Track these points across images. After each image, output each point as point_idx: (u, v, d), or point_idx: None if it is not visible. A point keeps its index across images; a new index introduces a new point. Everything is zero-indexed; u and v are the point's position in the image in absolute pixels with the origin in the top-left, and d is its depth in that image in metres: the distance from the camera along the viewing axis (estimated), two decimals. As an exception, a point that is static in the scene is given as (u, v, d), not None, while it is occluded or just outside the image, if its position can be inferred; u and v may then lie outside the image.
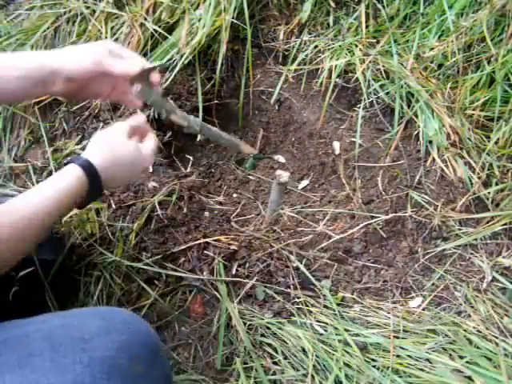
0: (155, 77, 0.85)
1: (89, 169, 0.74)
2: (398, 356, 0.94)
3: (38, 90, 0.77)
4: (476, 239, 1.13)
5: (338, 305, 1.04)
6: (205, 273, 1.03)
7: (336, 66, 1.30)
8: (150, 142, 0.86)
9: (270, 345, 0.97)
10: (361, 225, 1.18)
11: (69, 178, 0.72)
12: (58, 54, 0.78)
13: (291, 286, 1.04)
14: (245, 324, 0.98)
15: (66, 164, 0.75)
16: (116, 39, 1.30)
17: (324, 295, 1.05)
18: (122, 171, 0.80)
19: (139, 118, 0.88)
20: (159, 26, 1.28)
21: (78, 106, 1.28)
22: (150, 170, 1.20)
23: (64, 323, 0.58)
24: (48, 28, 1.34)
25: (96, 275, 1.02)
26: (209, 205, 1.21)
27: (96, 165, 0.75)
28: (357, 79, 1.29)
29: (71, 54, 0.79)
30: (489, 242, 1.14)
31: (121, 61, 0.80)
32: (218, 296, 1.00)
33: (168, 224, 1.09)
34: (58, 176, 0.73)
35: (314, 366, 0.92)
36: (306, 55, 1.36)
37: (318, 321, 1.00)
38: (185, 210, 1.12)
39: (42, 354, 0.52)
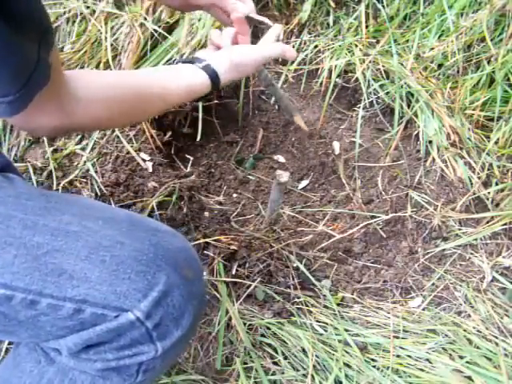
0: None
1: (214, 77, 0.79)
2: (398, 356, 0.94)
3: None
4: (476, 239, 1.13)
5: (338, 305, 1.04)
6: (205, 273, 1.03)
7: (336, 66, 1.30)
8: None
9: (269, 345, 0.97)
10: (361, 225, 1.18)
11: (195, 78, 0.78)
12: None
13: (291, 286, 1.04)
14: (245, 324, 0.98)
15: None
16: (116, 39, 1.30)
17: (324, 295, 1.05)
18: (240, 74, 0.86)
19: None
20: (159, 26, 1.28)
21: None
22: (150, 169, 1.20)
23: (143, 216, 0.68)
24: (48, 28, 1.34)
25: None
26: (209, 205, 1.21)
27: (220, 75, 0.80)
28: (357, 79, 1.29)
29: None
30: (489, 242, 1.14)
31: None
32: (218, 296, 1.00)
33: (168, 224, 1.09)
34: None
35: (314, 366, 0.92)
36: (306, 55, 1.36)
37: (317, 321, 1.00)
38: (185, 210, 1.12)
39: (121, 222, 0.60)
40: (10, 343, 0.92)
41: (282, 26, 0.91)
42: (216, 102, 1.35)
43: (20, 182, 0.63)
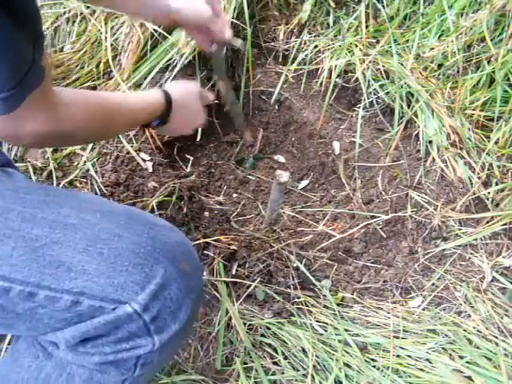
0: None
1: (168, 96, 0.90)
2: (398, 356, 0.94)
3: (149, 18, 0.91)
4: (476, 239, 1.13)
5: (338, 305, 1.04)
6: (205, 273, 1.03)
7: (336, 66, 1.30)
8: (204, 111, 1.06)
9: (269, 345, 0.97)
10: (361, 225, 1.18)
11: (150, 92, 0.91)
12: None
13: (291, 286, 1.04)
14: (245, 324, 0.98)
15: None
16: (116, 39, 1.30)
17: (324, 295, 1.05)
18: (183, 119, 0.97)
19: (210, 95, 1.10)
20: (159, 26, 1.28)
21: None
22: (150, 169, 1.20)
23: (140, 210, 0.69)
24: (48, 28, 1.34)
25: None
26: (209, 205, 1.21)
27: (172, 99, 0.91)
28: (357, 79, 1.29)
29: (191, 4, 0.88)
30: (489, 242, 1.14)
31: (220, 22, 0.92)
32: (218, 296, 1.00)
33: (168, 224, 1.09)
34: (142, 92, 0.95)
35: (314, 366, 0.92)
36: (306, 55, 1.36)
37: (317, 321, 1.00)
38: (185, 210, 1.12)
39: (119, 215, 0.60)
40: (10, 343, 0.92)
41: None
42: (216, 101, 1.35)
43: (19, 177, 0.64)
